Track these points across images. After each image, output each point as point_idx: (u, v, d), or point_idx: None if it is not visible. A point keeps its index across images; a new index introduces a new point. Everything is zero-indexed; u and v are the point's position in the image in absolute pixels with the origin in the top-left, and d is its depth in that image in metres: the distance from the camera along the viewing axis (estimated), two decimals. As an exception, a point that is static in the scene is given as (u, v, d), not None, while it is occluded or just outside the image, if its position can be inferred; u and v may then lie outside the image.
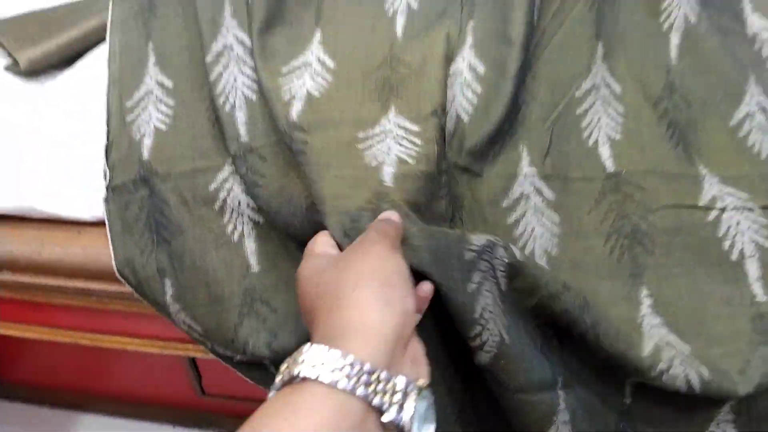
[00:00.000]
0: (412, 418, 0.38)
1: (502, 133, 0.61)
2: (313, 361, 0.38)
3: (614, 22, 0.66)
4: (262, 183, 0.60)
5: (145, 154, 0.64)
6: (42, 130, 0.74)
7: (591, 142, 0.62)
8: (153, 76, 0.68)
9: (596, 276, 0.57)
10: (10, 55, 0.85)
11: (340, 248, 0.53)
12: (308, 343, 0.40)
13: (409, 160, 0.58)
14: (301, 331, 0.59)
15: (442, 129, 0.60)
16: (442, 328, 0.54)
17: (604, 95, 0.63)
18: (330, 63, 0.65)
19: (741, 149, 0.60)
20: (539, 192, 0.59)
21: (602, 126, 0.62)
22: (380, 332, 0.40)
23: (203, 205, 0.63)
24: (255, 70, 0.64)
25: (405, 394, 0.39)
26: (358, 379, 0.37)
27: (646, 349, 0.51)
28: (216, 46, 0.65)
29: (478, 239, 0.50)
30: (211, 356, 0.65)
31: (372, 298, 0.41)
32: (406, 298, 0.44)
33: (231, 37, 0.65)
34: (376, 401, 0.37)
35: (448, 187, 0.60)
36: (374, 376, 0.38)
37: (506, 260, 0.50)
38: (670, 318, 0.55)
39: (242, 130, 0.62)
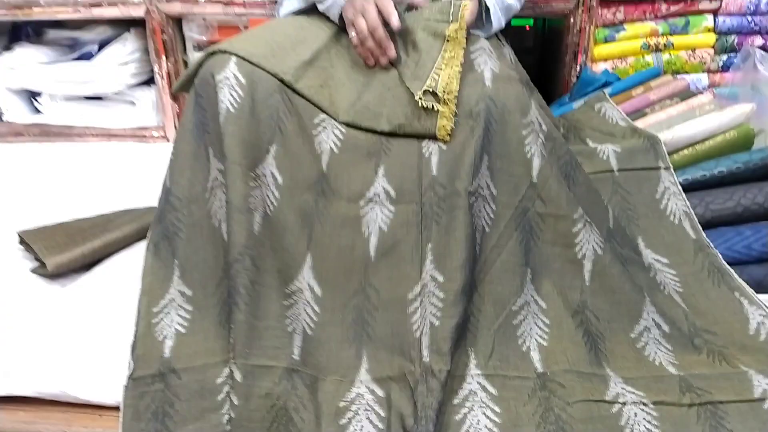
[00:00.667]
0: None
1: (458, 339, 0.78)
2: None
3: (538, 254, 0.88)
4: None
5: (166, 352, 0.78)
6: (66, 326, 0.86)
7: (525, 347, 0.80)
8: (176, 287, 0.84)
9: None
10: (36, 259, 1.01)
11: None
12: None
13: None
14: None
15: (411, 387, 0.74)
16: None
17: (533, 310, 0.83)
18: (318, 290, 0.82)
19: (639, 357, 0.80)
20: (484, 388, 0.75)
21: (533, 334, 0.81)
22: None
23: (209, 396, 0.75)
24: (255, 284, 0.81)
25: None
26: None
27: None
28: (231, 258, 0.82)
29: None
30: None
31: None
32: None
33: (237, 252, 0.82)
34: None
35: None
36: None
37: None
38: None
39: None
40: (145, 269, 0.85)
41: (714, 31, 1.35)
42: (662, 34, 1.35)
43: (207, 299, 0.83)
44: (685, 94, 1.21)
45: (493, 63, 0.90)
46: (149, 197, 1.15)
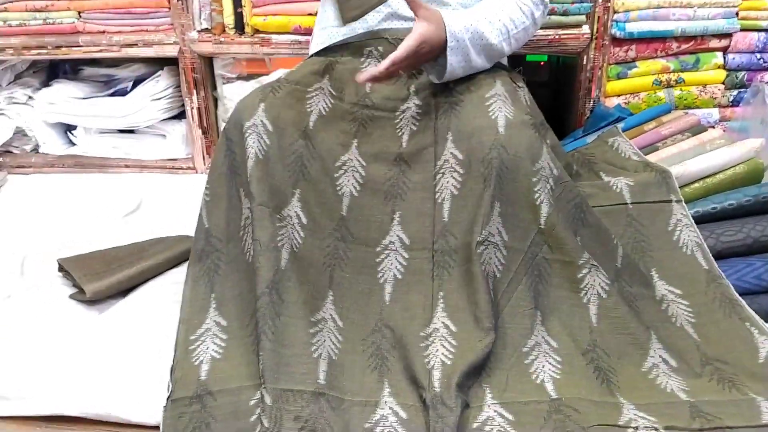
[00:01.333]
0: None
1: (472, 377, 0.82)
2: None
3: (547, 297, 0.91)
4: None
5: (203, 375, 0.83)
6: (106, 349, 0.91)
7: (539, 380, 0.83)
8: (212, 318, 0.89)
9: None
10: (75, 285, 1.06)
11: None
12: None
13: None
14: None
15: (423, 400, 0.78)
16: None
17: (545, 349, 0.86)
18: (340, 322, 0.87)
19: (651, 386, 0.83)
20: (501, 415, 0.78)
21: (546, 370, 0.85)
22: None
23: (243, 417, 0.79)
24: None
25: None
26: None
27: None
28: (259, 291, 0.86)
29: None
30: None
31: None
32: None
33: (265, 286, 0.86)
34: None
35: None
36: None
37: None
38: None
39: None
40: (184, 301, 0.91)
41: (724, 67, 1.40)
42: (673, 71, 1.40)
43: (242, 330, 0.88)
44: (696, 129, 1.25)
45: (507, 109, 0.94)
46: (180, 225, 1.21)
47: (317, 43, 1.11)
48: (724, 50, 1.39)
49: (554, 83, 1.75)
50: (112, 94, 1.55)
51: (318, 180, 0.94)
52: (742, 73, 1.40)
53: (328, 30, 1.09)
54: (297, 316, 0.85)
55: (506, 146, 0.90)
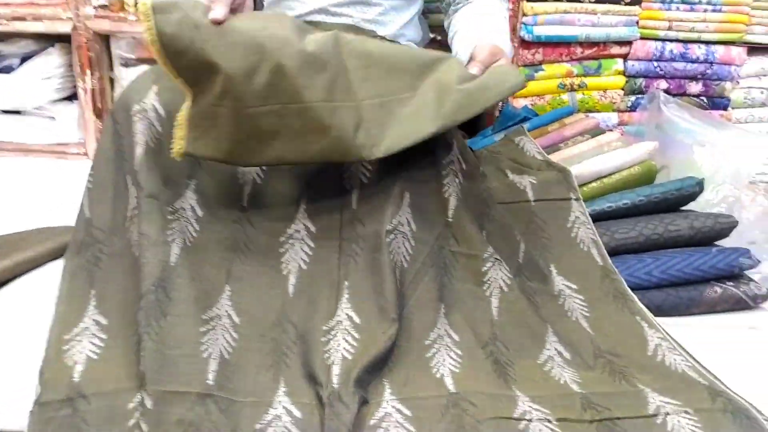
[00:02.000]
0: None
1: (373, 372, 0.80)
2: None
3: (451, 289, 0.91)
4: None
5: (76, 377, 0.75)
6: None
7: (438, 375, 0.82)
8: (91, 316, 0.81)
9: None
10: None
11: None
12: None
13: None
14: None
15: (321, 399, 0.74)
16: None
17: (447, 342, 0.86)
18: (236, 318, 0.82)
19: (546, 378, 0.84)
20: (399, 411, 0.77)
21: (446, 364, 0.84)
22: None
23: (119, 422, 0.71)
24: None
25: None
26: None
27: None
28: (144, 288, 0.79)
29: None
30: None
31: None
32: None
33: (150, 284, 0.79)
34: None
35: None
36: None
37: None
38: None
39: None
40: (60, 296, 0.83)
41: (624, 74, 1.46)
42: (577, 75, 1.44)
43: (124, 329, 0.80)
44: (596, 131, 1.29)
45: None
46: (67, 215, 1.12)
47: None
48: (625, 57, 1.45)
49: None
50: (-4, 71, 1.42)
51: (216, 169, 0.89)
52: (640, 79, 1.46)
53: None
54: (186, 314, 0.79)
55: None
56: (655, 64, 1.46)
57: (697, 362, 0.83)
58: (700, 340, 0.94)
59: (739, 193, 1.24)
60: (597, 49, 1.44)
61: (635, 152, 1.18)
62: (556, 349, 0.87)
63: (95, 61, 1.37)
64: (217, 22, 0.81)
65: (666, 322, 0.93)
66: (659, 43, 1.44)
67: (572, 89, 1.45)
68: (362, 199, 0.89)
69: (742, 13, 1.44)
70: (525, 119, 1.35)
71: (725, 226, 1.07)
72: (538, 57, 1.42)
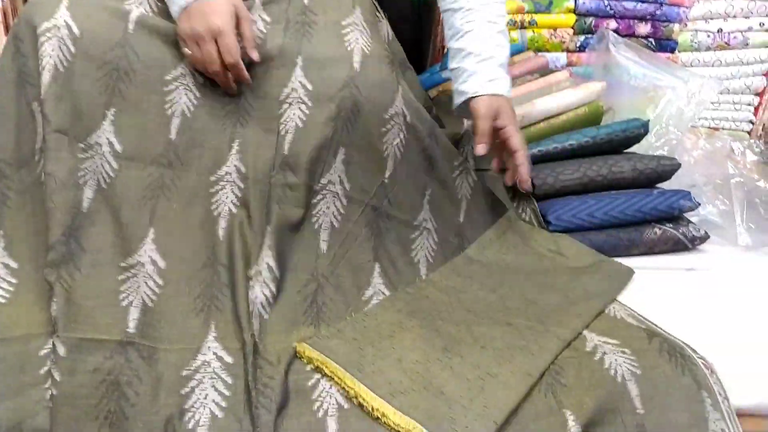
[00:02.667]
0: None
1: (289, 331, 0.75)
2: None
3: (384, 251, 0.86)
4: None
5: None
6: None
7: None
8: (0, 259, 0.74)
9: None
10: None
11: None
12: None
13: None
14: None
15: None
16: None
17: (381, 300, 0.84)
18: (162, 263, 0.76)
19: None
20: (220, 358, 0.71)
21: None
22: None
23: (30, 370, 0.66)
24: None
25: None
26: None
27: None
28: (53, 239, 0.71)
29: None
30: None
31: None
32: None
33: (60, 233, 0.72)
34: None
35: None
36: None
37: None
38: None
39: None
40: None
41: (574, 11, 1.42)
42: (527, 12, 1.40)
43: (36, 272, 0.73)
44: (544, 71, 1.26)
45: (365, 41, 0.87)
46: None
47: None
48: (576, -6, 1.41)
49: (416, 18, 1.70)
50: None
51: (140, 98, 0.80)
52: (590, 19, 1.43)
53: None
54: (101, 264, 0.73)
55: (360, 86, 0.84)
56: (606, 2, 1.42)
57: (635, 312, 0.84)
58: (640, 281, 0.94)
59: (681, 136, 1.25)
60: (548, -16, 1.39)
61: (583, 92, 1.16)
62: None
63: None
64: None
65: (606, 264, 0.93)
66: (611, -19, 1.41)
67: (522, 27, 1.40)
68: (296, 144, 0.83)
69: (693, -47, 1.41)
70: (473, 56, 1.30)
71: (668, 168, 1.07)
72: (489, -9, 1.36)
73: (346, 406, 0.66)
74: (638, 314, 0.83)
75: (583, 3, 1.41)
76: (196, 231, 0.80)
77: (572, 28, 1.43)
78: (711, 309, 0.88)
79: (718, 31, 1.48)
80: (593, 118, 1.16)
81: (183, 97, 0.82)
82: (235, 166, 0.83)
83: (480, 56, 0.93)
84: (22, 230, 0.76)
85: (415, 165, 0.91)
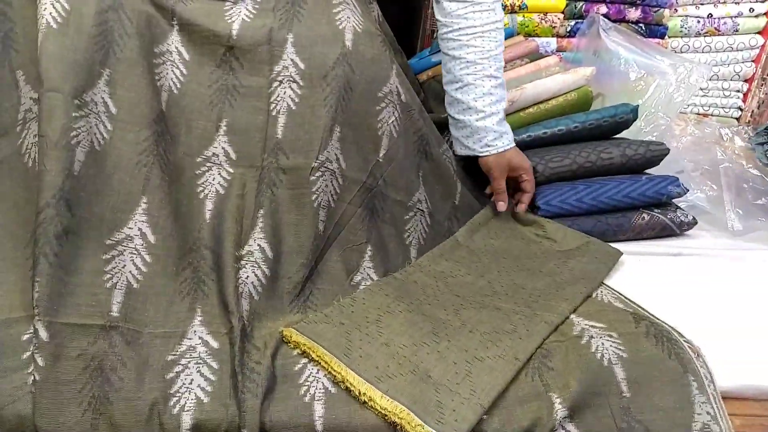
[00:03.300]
0: None
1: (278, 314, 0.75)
2: None
3: (377, 232, 0.86)
4: None
5: None
6: None
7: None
8: None
9: None
10: None
11: None
12: None
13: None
14: None
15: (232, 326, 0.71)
16: None
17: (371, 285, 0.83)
18: (152, 237, 0.75)
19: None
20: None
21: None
22: None
23: (12, 355, 0.65)
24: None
25: None
26: None
27: None
28: (43, 201, 0.68)
29: None
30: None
31: None
32: None
33: (50, 195, 0.69)
34: None
35: None
36: None
37: None
38: None
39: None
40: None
41: (565, -4, 1.41)
42: (518, -5, 1.39)
43: (16, 250, 0.72)
44: (534, 55, 1.25)
45: (356, 20, 0.85)
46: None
47: None
48: (566, -22, 1.40)
49: (404, 2, 1.69)
50: None
51: (134, 63, 0.76)
52: (581, 3, 1.42)
53: None
54: (89, 238, 0.71)
55: (353, 65, 0.82)
56: (597, -13, 1.41)
57: (622, 295, 0.84)
58: (627, 266, 0.95)
59: (670, 122, 1.25)
60: (539, -32, 1.38)
61: (573, 77, 1.15)
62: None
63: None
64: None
65: (595, 249, 0.93)
66: (602, -35, 1.40)
67: (513, 11, 1.39)
68: (288, 128, 0.82)
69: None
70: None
71: (657, 154, 1.07)
72: (479, -25, 1.35)
73: (333, 390, 0.66)
74: (625, 297, 0.83)
75: (574, -13, 1.40)
76: (183, 210, 0.78)
77: (563, 12, 1.42)
78: (698, 293, 0.88)
79: (708, 17, 1.48)
80: (583, 103, 1.15)
81: (170, 72, 0.81)
82: (223, 148, 0.82)
83: (482, 113, 0.94)
84: (1, 204, 0.74)
85: (410, 145, 0.91)
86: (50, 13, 0.72)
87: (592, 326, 0.74)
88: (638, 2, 1.43)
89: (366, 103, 0.84)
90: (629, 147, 1.07)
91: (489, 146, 0.95)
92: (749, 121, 1.55)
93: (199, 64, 0.83)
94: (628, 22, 1.45)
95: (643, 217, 1.04)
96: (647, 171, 1.10)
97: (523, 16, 1.41)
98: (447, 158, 0.97)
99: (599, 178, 1.05)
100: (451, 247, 0.92)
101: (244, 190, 0.81)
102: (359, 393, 0.64)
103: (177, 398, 0.63)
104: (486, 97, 0.93)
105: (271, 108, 0.82)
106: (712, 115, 1.55)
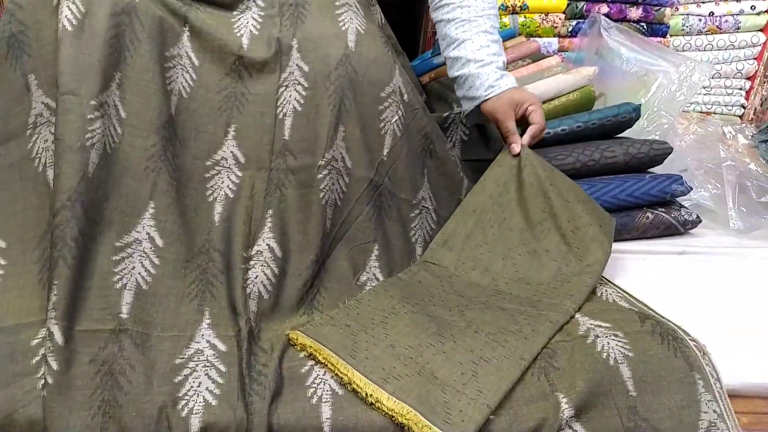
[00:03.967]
0: None
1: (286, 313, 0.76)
2: None
3: (383, 230, 0.87)
4: None
5: None
6: None
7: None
8: None
9: None
10: None
11: None
12: None
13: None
14: None
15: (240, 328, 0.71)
16: None
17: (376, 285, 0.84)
18: (160, 241, 0.75)
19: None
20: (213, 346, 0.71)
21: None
22: None
23: (22, 360, 0.65)
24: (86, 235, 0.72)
25: None
26: None
27: None
28: (59, 203, 0.69)
29: None
30: None
31: None
32: None
33: (66, 198, 0.69)
34: None
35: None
36: None
37: None
38: None
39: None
40: (-54, 218, 0.73)
41: (566, -4, 1.42)
42: (519, -4, 1.39)
43: (26, 254, 0.72)
44: (536, 56, 1.26)
45: (359, 21, 0.86)
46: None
47: None
48: (567, -22, 1.40)
49: (405, 5, 1.69)
50: None
51: (144, 67, 0.77)
52: (582, 3, 1.42)
53: None
54: (101, 242, 0.71)
55: (355, 66, 0.83)
56: (598, -13, 1.42)
57: (627, 293, 0.84)
58: (631, 264, 0.95)
59: (673, 120, 1.25)
60: (540, -31, 1.38)
61: (575, 77, 1.15)
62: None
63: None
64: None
65: (599, 248, 0.93)
66: (603, -35, 1.40)
67: (514, 11, 1.40)
68: (295, 129, 0.83)
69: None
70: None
71: (660, 153, 1.07)
72: (480, -24, 1.35)
73: (340, 392, 0.66)
74: (630, 296, 0.83)
75: (575, -13, 1.40)
76: (192, 215, 0.79)
77: (564, 12, 1.42)
78: (703, 291, 0.88)
79: (709, 15, 1.48)
80: (585, 103, 1.16)
81: (180, 76, 0.82)
82: (232, 152, 0.83)
83: (481, 62, 0.93)
84: (10, 207, 0.74)
85: (414, 143, 0.91)
86: (66, 16, 0.73)
87: (597, 326, 0.75)
88: (639, 1, 1.43)
89: (369, 103, 0.85)
90: (632, 146, 1.07)
91: (492, 87, 0.92)
92: (752, 119, 1.55)
93: (209, 71, 0.84)
94: (629, 21, 1.45)
95: (647, 216, 1.04)
96: (650, 170, 1.11)
97: (525, 17, 1.41)
98: (453, 156, 0.98)
99: (603, 177, 1.06)
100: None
101: (252, 191, 0.82)
102: (366, 395, 0.65)
103: (185, 401, 0.64)
104: (483, 49, 0.93)
105: (278, 111, 0.84)
106: (715, 113, 1.55)
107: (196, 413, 0.63)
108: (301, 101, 0.83)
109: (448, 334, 0.73)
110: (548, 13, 1.42)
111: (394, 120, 0.87)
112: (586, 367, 0.68)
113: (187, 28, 0.83)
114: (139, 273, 0.73)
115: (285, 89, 0.84)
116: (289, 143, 0.82)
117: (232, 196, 0.81)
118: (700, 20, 1.48)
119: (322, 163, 0.82)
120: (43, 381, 0.62)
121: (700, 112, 1.54)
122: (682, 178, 1.06)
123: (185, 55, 0.83)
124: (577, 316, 0.78)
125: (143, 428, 0.62)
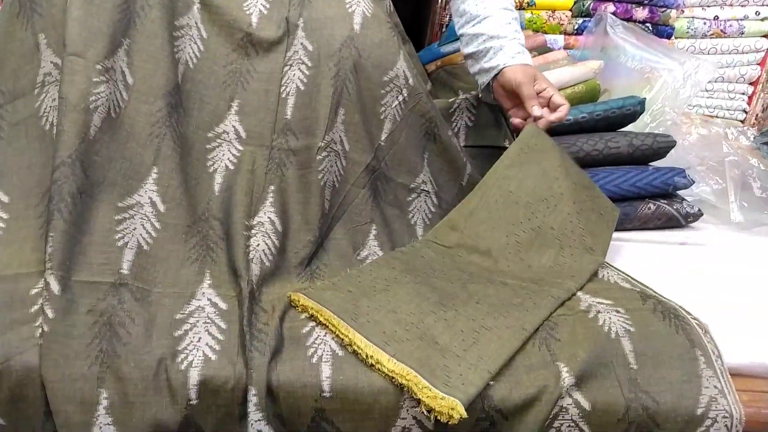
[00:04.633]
0: None
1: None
2: None
3: (380, 212, 0.87)
4: None
5: None
6: None
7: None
8: None
9: None
10: None
11: None
12: None
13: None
14: None
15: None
16: None
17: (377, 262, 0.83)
18: (162, 206, 0.76)
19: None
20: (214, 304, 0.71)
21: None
22: None
23: (20, 308, 0.65)
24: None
25: None
26: None
27: None
28: (59, 160, 0.69)
29: None
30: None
31: None
32: None
33: (66, 155, 0.69)
34: None
35: None
36: None
37: None
38: None
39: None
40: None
41: (573, -6, 1.43)
42: (527, -8, 1.40)
43: (28, 209, 0.72)
44: (543, 49, 1.27)
45: (366, 5, 0.87)
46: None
47: None
48: (575, -24, 1.42)
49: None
50: None
51: (154, 34, 0.78)
52: (589, 1, 1.44)
53: None
54: (102, 200, 0.71)
55: (359, 48, 0.83)
56: (605, -14, 1.43)
57: (629, 276, 0.84)
58: (633, 253, 0.95)
59: (676, 117, 1.25)
60: (548, -34, 1.39)
61: (581, 69, 1.16)
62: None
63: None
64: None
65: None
66: (610, -35, 1.41)
67: (521, 7, 1.41)
68: (297, 108, 0.83)
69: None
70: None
71: (663, 146, 1.08)
72: (489, -29, 1.36)
73: (340, 353, 0.66)
74: (632, 278, 0.83)
75: (582, -15, 1.42)
76: (193, 183, 0.79)
77: (570, 10, 1.44)
78: (703, 277, 0.89)
79: (714, 18, 1.49)
80: (590, 96, 1.16)
81: (188, 46, 0.82)
82: (234, 126, 0.83)
83: (504, 38, 0.93)
84: (14, 163, 0.74)
85: (416, 128, 0.91)
86: None
87: (599, 302, 0.74)
88: (645, 2, 1.44)
89: (371, 87, 0.86)
90: (636, 137, 1.07)
91: (515, 56, 0.92)
92: (754, 123, 1.56)
93: (217, 44, 0.85)
94: (635, 21, 1.46)
95: (650, 207, 1.04)
96: (653, 163, 1.11)
97: (531, 13, 1.42)
98: (455, 141, 0.98)
99: (606, 167, 1.06)
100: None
101: (253, 166, 0.82)
102: (366, 356, 0.64)
103: (185, 355, 0.63)
104: (505, 27, 0.94)
105: (282, 90, 0.84)
106: (717, 117, 1.56)
107: (195, 366, 0.62)
108: (304, 80, 0.84)
109: (450, 304, 0.73)
110: (555, 10, 1.43)
111: (394, 105, 0.88)
112: (588, 339, 0.68)
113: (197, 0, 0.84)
114: (141, 234, 0.72)
115: (289, 68, 0.84)
116: (291, 122, 0.83)
117: (232, 168, 0.81)
118: (704, 23, 1.49)
119: (322, 144, 0.82)
120: (40, 329, 0.62)
121: (703, 115, 1.55)
122: (684, 171, 1.06)
123: (194, 25, 0.83)
124: (579, 293, 0.77)
125: (141, 380, 0.61)
